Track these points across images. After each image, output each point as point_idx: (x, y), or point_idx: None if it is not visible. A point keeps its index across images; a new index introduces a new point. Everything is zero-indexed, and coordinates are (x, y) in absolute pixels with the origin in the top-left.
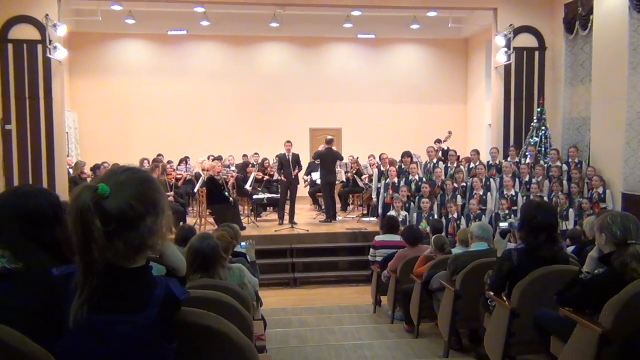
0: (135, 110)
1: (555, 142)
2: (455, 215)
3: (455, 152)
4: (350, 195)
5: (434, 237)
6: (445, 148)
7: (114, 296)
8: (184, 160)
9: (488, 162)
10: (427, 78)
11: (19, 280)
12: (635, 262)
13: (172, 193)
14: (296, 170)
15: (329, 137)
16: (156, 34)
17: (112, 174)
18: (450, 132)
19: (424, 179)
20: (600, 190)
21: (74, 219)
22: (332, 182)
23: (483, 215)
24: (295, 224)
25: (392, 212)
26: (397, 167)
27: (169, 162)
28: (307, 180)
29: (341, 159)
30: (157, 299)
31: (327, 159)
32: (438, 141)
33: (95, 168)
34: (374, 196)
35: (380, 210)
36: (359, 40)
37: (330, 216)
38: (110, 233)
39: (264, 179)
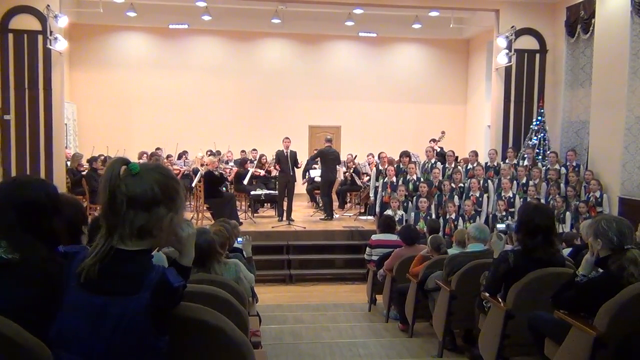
0: (135, 103)
1: (553, 145)
2: (453, 216)
3: (453, 152)
4: (348, 194)
5: (430, 237)
6: (439, 149)
7: (110, 277)
8: (183, 154)
9: (486, 163)
10: (428, 78)
11: (15, 270)
12: (633, 266)
13: None
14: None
15: (329, 136)
16: (157, 27)
17: (144, 163)
18: (443, 132)
19: (422, 179)
20: (598, 194)
21: (104, 183)
22: (332, 180)
23: (477, 217)
24: (293, 221)
25: (389, 212)
26: (395, 166)
27: (168, 156)
28: (305, 180)
29: (339, 162)
30: (150, 283)
31: (329, 157)
32: (433, 140)
33: (92, 160)
34: (371, 195)
35: (377, 209)
36: (361, 39)
37: (328, 214)
38: (129, 202)
39: (262, 175)
